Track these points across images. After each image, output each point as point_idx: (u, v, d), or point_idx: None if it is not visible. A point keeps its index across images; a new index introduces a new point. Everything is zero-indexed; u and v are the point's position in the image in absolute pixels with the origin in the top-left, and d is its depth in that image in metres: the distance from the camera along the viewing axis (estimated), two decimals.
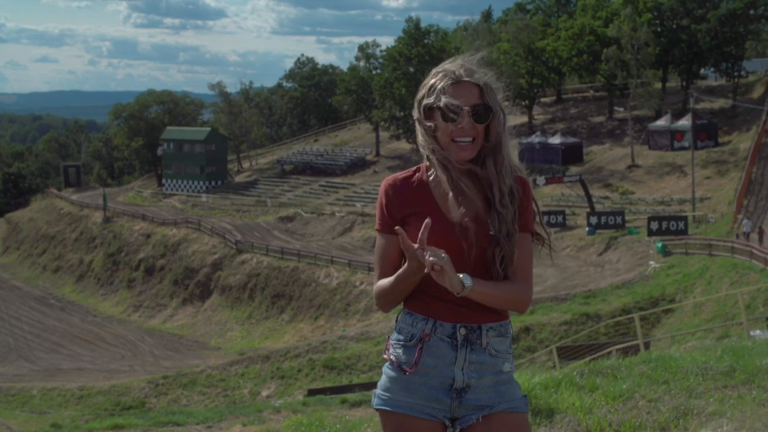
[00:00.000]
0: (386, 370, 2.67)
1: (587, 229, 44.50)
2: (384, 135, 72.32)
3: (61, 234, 69.33)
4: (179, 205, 70.30)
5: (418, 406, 2.61)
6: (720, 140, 55.69)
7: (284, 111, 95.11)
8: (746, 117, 57.12)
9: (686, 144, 53.02)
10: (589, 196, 46.22)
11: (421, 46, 69.56)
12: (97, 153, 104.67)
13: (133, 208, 69.15)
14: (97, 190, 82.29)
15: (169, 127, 79.71)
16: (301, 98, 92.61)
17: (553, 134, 61.53)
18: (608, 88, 66.15)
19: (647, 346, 18.34)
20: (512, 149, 2.68)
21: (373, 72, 74.48)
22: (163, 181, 78.22)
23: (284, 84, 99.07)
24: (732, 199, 42.19)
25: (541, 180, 47.11)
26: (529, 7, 74.22)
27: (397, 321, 2.69)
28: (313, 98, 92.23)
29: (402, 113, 67.89)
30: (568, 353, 22.42)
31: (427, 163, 2.66)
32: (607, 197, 51.68)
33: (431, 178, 2.65)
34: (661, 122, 57.75)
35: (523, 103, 66.86)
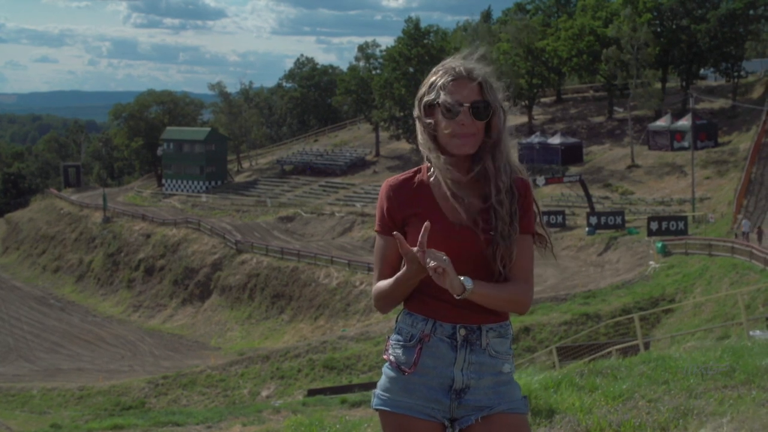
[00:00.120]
0: (386, 371, 2.67)
1: (587, 229, 44.50)
2: (384, 135, 72.33)
3: (61, 234, 69.34)
4: (179, 205, 70.31)
5: (418, 407, 2.61)
6: (720, 140, 55.69)
7: (284, 111, 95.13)
8: (746, 117, 57.12)
9: (686, 144, 53.02)
10: (588, 197, 46.23)
11: (420, 47, 69.55)
12: (97, 153, 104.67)
13: (133, 208, 69.16)
14: (96, 190, 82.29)
15: (168, 128, 79.73)
16: (300, 98, 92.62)
17: (553, 134, 61.52)
18: (608, 88, 66.14)
19: (647, 346, 18.33)
20: (512, 149, 2.69)
21: (373, 72, 74.47)
22: (163, 181, 78.22)
23: (284, 84, 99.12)
24: (732, 200, 42.20)
25: (541, 180, 47.11)
26: (528, 7, 74.20)
27: (397, 321, 2.69)
28: (312, 98, 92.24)
29: (402, 113, 67.88)
30: (567, 353, 22.41)
31: (428, 164, 2.67)
32: (606, 197, 51.68)
33: (432, 179, 2.65)
34: (661, 122, 57.74)
35: (523, 103, 66.88)
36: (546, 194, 51.25)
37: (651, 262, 36.45)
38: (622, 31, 58.16)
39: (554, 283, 37.61)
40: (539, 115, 70.94)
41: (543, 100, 74.32)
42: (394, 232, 2.48)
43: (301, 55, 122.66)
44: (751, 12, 61.59)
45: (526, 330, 29.28)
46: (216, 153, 75.42)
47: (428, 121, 2.62)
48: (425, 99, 2.63)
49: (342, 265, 47.29)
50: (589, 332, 26.70)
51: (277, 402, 23.99)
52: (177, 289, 55.04)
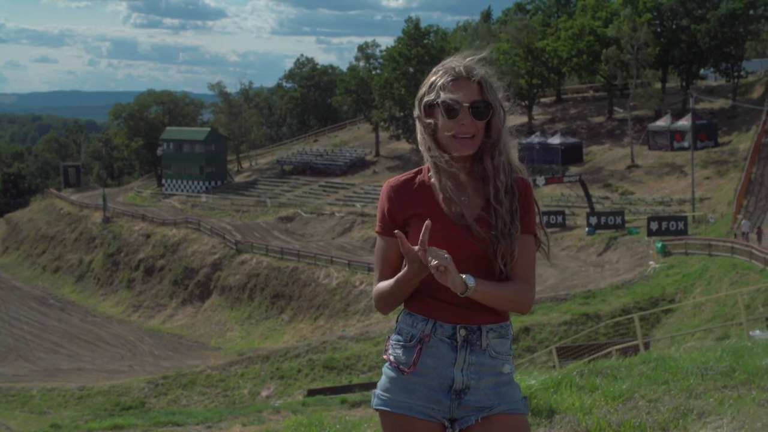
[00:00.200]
0: (386, 371, 2.67)
1: (587, 229, 44.50)
2: (384, 135, 72.33)
3: (61, 234, 69.34)
4: (179, 205, 70.31)
5: (418, 407, 2.61)
6: (720, 140, 55.70)
7: (284, 111, 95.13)
8: (746, 117, 57.14)
9: (686, 144, 53.03)
10: (588, 197, 46.24)
11: (420, 47, 69.57)
12: (97, 153, 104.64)
13: (133, 208, 69.16)
14: (96, 190, 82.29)
15: (168, 128, 79.74)
16: (300, 98, 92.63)
17: (553, 134, 61.56)
18: (608, 88, 66.15)
19: (647, 346, 18.33)
20: (512, 149, 2.69)
21: (373, 72, 74.48)
22: (163, 181, 78.23)
23: (284, 84, 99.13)
24: (732, 200, 42.21)
25: (540, 180, 47.12)
26: (528, 7, 74.21)
27: (397, 321, 2.69)
28: (312, 98, 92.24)
29: (402, 113, 67.89)
30: (567, 353, 22.41)
31: (429, 164, 2.67)
32: (606, 197, 51.69)
33: (433, 179, 2.65)
34: (661, 122, 57.76)
35: (523, 104, 66.89)
36: (546, 194, 51.25)
37: (651, 262, 36.45)
38: (622, 31, 58.18)
39: (554, 283, 37.59)
40: (539, 115, 70.96)
41: (543, 100, 74.34)
42: (396, 231, 2.48)
43: (301, 55, 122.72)
44: (751, 12, 61.61)
45: (526, 330, 29.29)
46: (216, 153, 75.43)
47: (428, 121, 2.62)
48: (425, 99, 2.63)
49: (342, 265, 47.28)
50: (589, 332, 26.70)
51: (277, 402, 24.00)
52: (177, 289, 55.04)
